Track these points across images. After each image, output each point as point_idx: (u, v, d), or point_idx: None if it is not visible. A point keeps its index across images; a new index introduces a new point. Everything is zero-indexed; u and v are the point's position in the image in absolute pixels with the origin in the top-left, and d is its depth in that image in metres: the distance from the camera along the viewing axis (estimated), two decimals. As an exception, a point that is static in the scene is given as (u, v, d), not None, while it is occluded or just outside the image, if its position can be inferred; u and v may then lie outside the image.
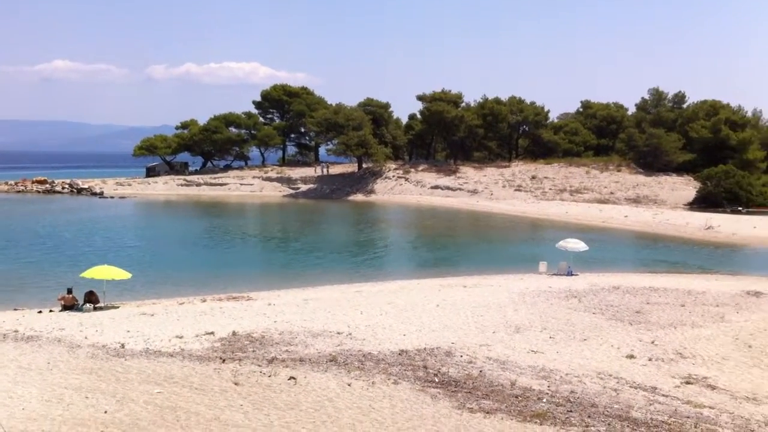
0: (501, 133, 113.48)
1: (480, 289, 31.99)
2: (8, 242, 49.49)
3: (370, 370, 17.73)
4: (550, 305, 27.82)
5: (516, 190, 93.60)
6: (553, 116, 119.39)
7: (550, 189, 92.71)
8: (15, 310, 28.30)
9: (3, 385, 15.66)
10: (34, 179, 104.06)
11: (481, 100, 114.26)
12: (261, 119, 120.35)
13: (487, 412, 14.78)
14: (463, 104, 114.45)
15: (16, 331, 22.00)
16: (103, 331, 22.41)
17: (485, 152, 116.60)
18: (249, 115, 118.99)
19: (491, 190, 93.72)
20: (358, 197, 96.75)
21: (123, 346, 19.98)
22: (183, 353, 19.15)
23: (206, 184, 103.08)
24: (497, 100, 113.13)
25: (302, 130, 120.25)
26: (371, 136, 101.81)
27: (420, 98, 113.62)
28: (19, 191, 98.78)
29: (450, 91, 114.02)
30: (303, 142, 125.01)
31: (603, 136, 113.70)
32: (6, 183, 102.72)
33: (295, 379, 16.60)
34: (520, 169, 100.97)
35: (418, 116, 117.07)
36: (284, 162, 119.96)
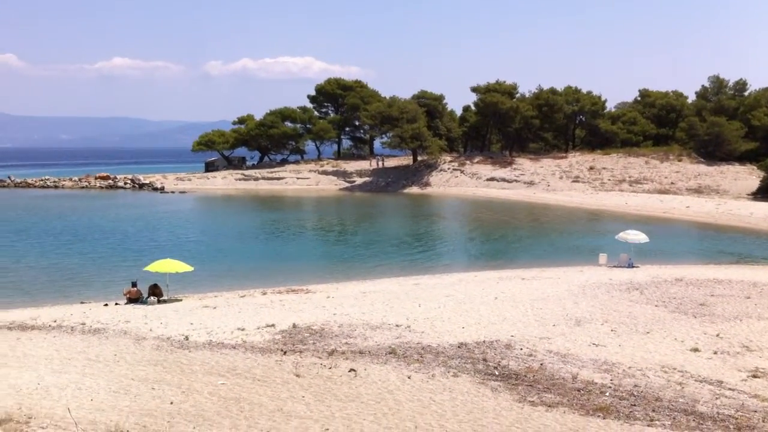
0: (557, 123, 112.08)
1: (539, 282, 31.74)
2: (75, 237, 50.81)
3: (430, 362, 17.77)
4: (611, 297, 27.46)
5: (573, 181, 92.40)
6: (610, 106, 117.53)
7: (609, 180, 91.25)
8: (82, 303, 29.09)
9: (72, 376, 16.13)
10: (98, 175, 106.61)
11: (536, 91, 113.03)
12: (316, 113, 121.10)
13: (549, 406, 14.70)
14: (518, 95, 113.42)
15: (83, 324, 22.63)
16: (168, 323, 22.89)
17: (541, 143, 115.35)
18: (304, 109, 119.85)
19: (548, 182, 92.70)
20: (414, 190, 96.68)
21: (187, 338, 20.40)
22: (245, 345, 19.46)
23: (263, 178, 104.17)
24: (553, 90, 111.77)
25: (357, 123, 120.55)
26: (426, 128, 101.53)
27: (474, 90, 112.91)
28: (83, 187, 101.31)
29: (504, 81, 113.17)
30: (358, 136, 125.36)
31: (662, 126, 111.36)
32: (70, 179, 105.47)
33: (356, 371, 16.74)
34: (577, 160, 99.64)
35: (473, 108, 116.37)
36: (339, 155, 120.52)
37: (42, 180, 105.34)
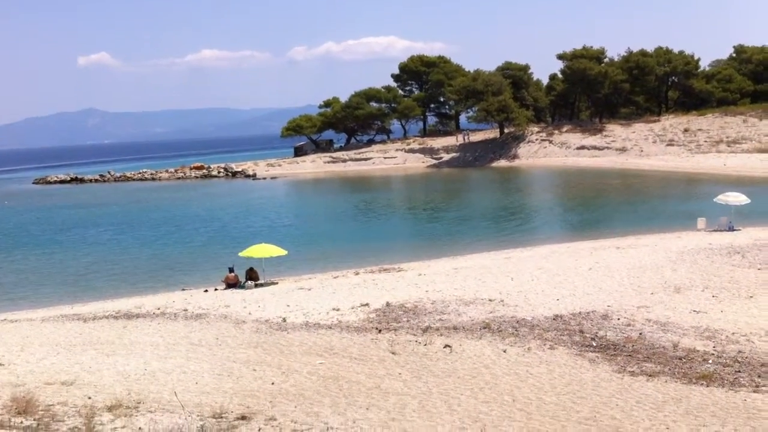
0: (648, 86, 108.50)
1: (635, 250, 31.02)
2: (174, 227, 52.53)
3: (525, 336, 17.67)
4: (711, 263, 26.60)
5: (668, 145, 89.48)
6: (704, 64, 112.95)
7: (705, 141, 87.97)
8: (183, 290, 30.12)
9: (176, 361, 16.75)
10: (192, 165, 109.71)
11: (625, 54, 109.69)
12: (400, 92, 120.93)
13: (650, 375, 14.42)
14: (606, 59, 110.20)
15: (185, 310, 23.43)
16: (265, 306, 23.46)
17: (632, 108, 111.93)
18: (388, 88, 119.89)
19: (641, 147, 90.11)
20: (502, 163, 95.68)
21: (284, 320, 20.87)
22: (341, 325, 19.78)
23: (351, 159, 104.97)
24: (643, 53, 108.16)
25: (441, 99, 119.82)
26: (511, 100, 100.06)
27: (560, 57, 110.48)
28: (179, 178, 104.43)
29: (591, 47, 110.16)
30: (443, 112, 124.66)
31: (760, 82, 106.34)
32: (167, 171, 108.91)
33: (451, 347, 16.80)
34: (671, 123, 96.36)
35: (559, 76, 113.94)
36: (425, 133, 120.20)
37: (140, 173, 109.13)
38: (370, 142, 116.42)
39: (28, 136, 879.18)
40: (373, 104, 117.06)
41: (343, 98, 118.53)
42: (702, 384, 13.80)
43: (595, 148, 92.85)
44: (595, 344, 16.76)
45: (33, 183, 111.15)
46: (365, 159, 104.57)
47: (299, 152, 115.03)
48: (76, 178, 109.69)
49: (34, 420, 10.50)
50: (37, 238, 50.53)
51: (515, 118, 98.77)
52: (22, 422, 10.23)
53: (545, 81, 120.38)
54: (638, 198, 57.20)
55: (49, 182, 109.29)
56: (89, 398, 12.84)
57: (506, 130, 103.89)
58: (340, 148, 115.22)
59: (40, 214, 66.49)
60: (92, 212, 65.10)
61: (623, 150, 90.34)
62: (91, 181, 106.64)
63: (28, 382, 14.34)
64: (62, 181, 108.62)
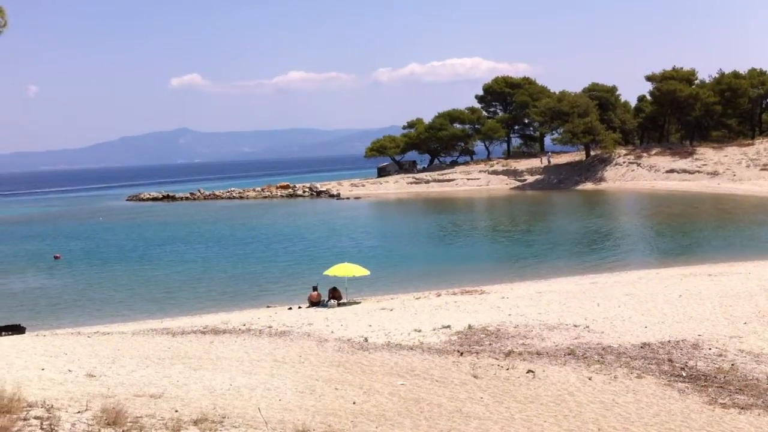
0: (741, 108, 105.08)
1: (727, 278, 29.98)
2: (260, 245, 53.59)
3: (611, 363, 17.25)
4: (809, 293, 25.46)
5: (762, 169, 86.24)
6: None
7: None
8: (268, 307, 30.62)
9: (261, 377, 16.99)
10: (278, 185, 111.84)
11: (717, 75, 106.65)
12: (484, 113, 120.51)
13: (742, 408, 13.88)
14: (697, 81, 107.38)
15: (270, 327, 23.79)
16: (348, 325, 23.62)
17: (724, 131, 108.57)
18: (472, 110, 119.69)
19: (733, 171, 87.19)
20: (588, 186, 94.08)
21: (366, 339, 20.95)
22: (422, 346, 19.73)
23: (434, 180, 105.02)
24: (735, 74, 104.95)
25: (526, 121, 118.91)
26: (598, 122, 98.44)
27: (649, 78, 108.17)
28: (265, 197, 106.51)
29: (682, 68, 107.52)
30: (527, 133, 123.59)
31: None
32: (254, 190, 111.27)
33: (534, 373, 16.55)
34: (765, 147, 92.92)
35: (648, 97, 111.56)
36: (509, 154, 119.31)
37: (228, 192, 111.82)
38: (454, 164, 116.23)
39: (122, 154, 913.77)
40: (457, 125, 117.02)
41: (427, 119, 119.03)
42: (799, 420, 13.20)
43: (685, 171, 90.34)
44: (684, 374, 16.24)
45: (126, 200, 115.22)
46: (448, 180, 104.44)
47: (382, 173, 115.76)
48: (168, 195, 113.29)
49: (123, 431, 10.80)
50: (129, 253, 52.28)
51: (602, 140, 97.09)
52: (111, 433, 10.55)
53: (633, 103, 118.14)
54: (731, 224, 55.32)
55: (142, 199, 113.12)
56: (176, 411, 13.14)
57: (593, 153, 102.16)
58: (424, 169, 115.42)
59: (132, 230, 68.79)
60: (182, 229, 66.96)
61: (715, 174, 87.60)
62: (181, 198, 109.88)
63: (118, 393, 14.77)
64: (154, 199, 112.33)
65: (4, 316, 30.93)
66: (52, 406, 11.86)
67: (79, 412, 11.88)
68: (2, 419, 10.26)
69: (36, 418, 10.81)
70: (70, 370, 17.40)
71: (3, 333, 25.93)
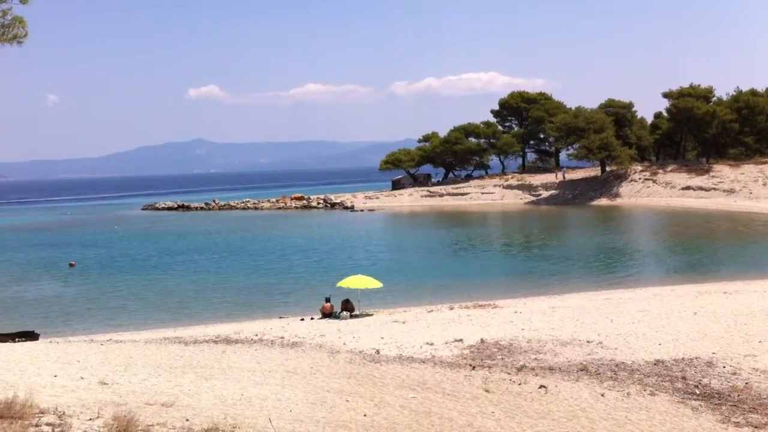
0: (759, 126, 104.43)
1: (743, 296, 29.74)
2: (273, 256, 53.68)
3: (624, 380, 17.13)
4: (826, 312, 25.21)
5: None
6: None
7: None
8: (280, 318, 30.66)
9: (272, 387, 16.97)
10: (293, 196, 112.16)
11: (734, 93, 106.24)
12: (500, 128, 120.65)
13: (756, 427, 13.73)
14: (715, 98, 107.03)
15: (282, 338, 23.80)
16: (360, 337, 23.59)
17: (741, 148, 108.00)
18: (488, 124, 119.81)
19: (750, 189, 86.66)
20: (602, 202, 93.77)
21: (378, 352, 20.91)
22: (434, 359, 19.66)
23: (449, 194, 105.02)
24: (753, 92, 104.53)
25: (541, 136, 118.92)
26: (614, 138, 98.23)
27: (666, 95, 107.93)
28: (279, 208, 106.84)
29: (699, 85, 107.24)
30: (542, 148, 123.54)
31: None
32: (268, 200, 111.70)
33: (546, 388, 16.45)
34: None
35: (665, 114, 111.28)
36: (524, 169, 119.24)
37: (243, 202, 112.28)
38: (468, 178, 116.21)
39: (139, 163, 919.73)
40: (472, 140, 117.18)
41: (442, 133, 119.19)
42: (815, 440, 13.05)
43: (701, 189, 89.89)
44: (698, 392, 16.10)
45: (142, 209, 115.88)
46: (462, 194, 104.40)
47: (397, 186, 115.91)
48: (183, 205, 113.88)
49: (135, 439, 10.83)
50: (143, 262, 52.52)
51: (617, 156, 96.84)
52: (123, 440, 10.56)
53: (650, 119, 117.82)
54: (747, 241, 54.94)
55: (157, 209, 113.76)
56: (187, 420, 13.14)
57: (608, 168, 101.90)
58: (438, 183, 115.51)
59: (146, 239, 69.12)
60: (196, 239, 67.23)
61: (731, 191, 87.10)
62: (196, 208, 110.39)
63: (129, 401, 14.79)
64: (169, 208, 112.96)
65: (19, 322, 31.12)
66: (63, 413, 11.89)
67: (90, 419, 11.91)
68: (14, 425, 10.31)
69: (48, 424, 10.85)
70: (82, 378, 17.45)
71: (17, 339, 26.07)
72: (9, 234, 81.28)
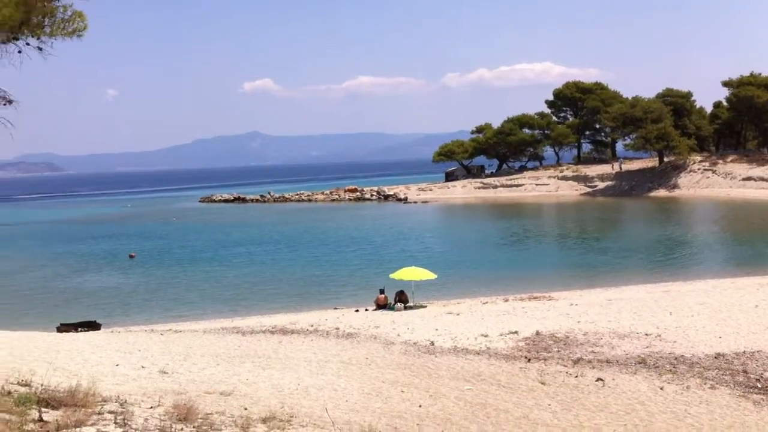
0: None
1: (807, 289, 28.93)
2: (329, 248, 54.03)
3: (683, 373, 16.85)
4: None
5: None
6: None
7: None
8: (335, 309, 30.88)
9: (328, 378, 17.14)
10: (346, 188, 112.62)
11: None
12: (554, 118, 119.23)
13: (822, 423, 13.40)
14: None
15: (337, 329, 23.99)
16: (414, 329, 23.63)
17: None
18: (542, 115, 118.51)
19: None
20: (660, 193, 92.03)
21: (433, 343, 20.93)
22: (489, 351, 19.61)
23: (502, 186, 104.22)
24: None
25: (597, 126, 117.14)
26: (672, 128, 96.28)
27: (726, 84, 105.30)
28: (333, 200, 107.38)
29: (760, 74, 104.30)
30: (598, 139, 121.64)
31: None
32: (322, 193, 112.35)
33: (603, 381, 16.28)
34: None
35: (725, 104, 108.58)
36: (579, 160, 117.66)
37: (297, 194, 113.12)
38: (522, 169, 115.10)
39: (196, 157, 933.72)
40: (526, 131, 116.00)
41: (496, 124, 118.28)
42: None
43: (762, 179, 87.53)
44: (760, 386, 15.76)
45: (199, 201, 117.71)
46: (516, 185, 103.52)
47: (450, 177, 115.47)
48: (239, 197, 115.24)
49: (194, 428, 10.99)
50: (200, 254, 53.38)
51: (676, 146, 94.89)
52: (182, 429, 10.73)
53: (709, 109, 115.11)
54: (812, 233, 53.36)
55: (214, 201, 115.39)
56: (245, 409, 13.36)
57: (666, 159, 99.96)
58: (491, 174, 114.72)
59: (204, 231, 70.21)
60: (252, 231, 68.04)
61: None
62: (252, 201, 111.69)
63: (189, 390, 15.08)
64: (226, 201, 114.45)
65: (80, 312, 31.97)
66: (125, 401, 12.18)
67: (151, 407, 12.17)
68: (78, 413, 10.57)
69: (110, 412, 11.11)
70: (143, 367, 17.85)
71: (79, 329, 26.78)
72: (70, 226, 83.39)
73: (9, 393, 11.37)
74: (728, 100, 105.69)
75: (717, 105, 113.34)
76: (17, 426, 9.36)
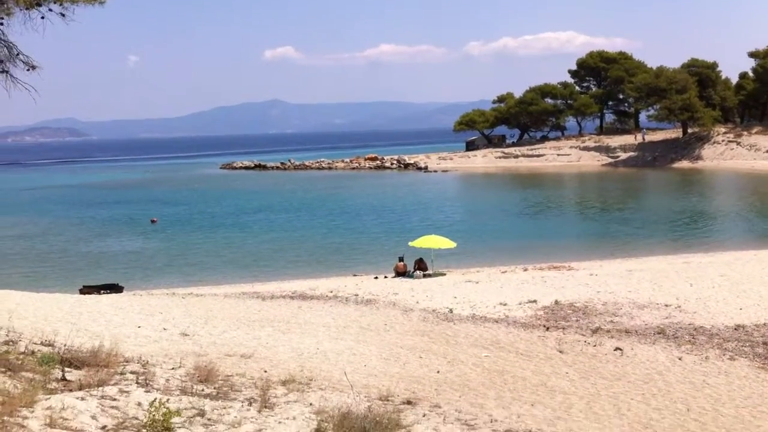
0: None
1: (830, 262, 28.67)
2: (348, 215, 54.23)
3: (703, 344, 16.82)
4: None
5: None
6: None
7: None
8: (354, 275, 31.05)
9: (347, 342, 17.28)
10: (367, 156, 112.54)
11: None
12: (577, 88, 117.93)
13: (842, 396, 13.34)
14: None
15: (356, 295, 24.13)
16: (433, 296, 23.71)
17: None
18: (565, 84, 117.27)
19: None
20: (683, 164, 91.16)
21: (451, 311, 21.01)
22: (507, 320, 19.66)
23: (523, 155, 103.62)
24: None
25: (620, 96, 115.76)
26: (696, 98, 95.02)
27: (752, 55, 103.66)
28: (353, 168, 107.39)
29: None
30: (621, 109, 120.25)
31: None
32: (342, 161, 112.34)
33: (622, 350, 16.29)
34: None
35: (750, 74, 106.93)
36: (602, 130, 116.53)
37: (318, 162, 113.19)
38: (544, 139, 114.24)
39: (216, 124, 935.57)
40: (548, 100, 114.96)
41: (518, 94, 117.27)
42: None
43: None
44: (780, 358, 15.69)
45: (220, 168, 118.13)
46: (538, 155, 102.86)
47: (471, 147, 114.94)
48: (259, 164, 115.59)
49: (214, 388, 11.15)
50: (221, 220, 53.72)
51: (700, 117, 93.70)
52: (203, 390, 10.90)
53: (735, 79, 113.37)
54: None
55: (235, 168, 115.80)
56: (265, 372, 13.51)
57: (690, 130, 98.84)
58: (513, 144, 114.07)
59: (225, 197, 70.58)
60: (273, 198, 68.30)
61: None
62: (272, 168, 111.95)
63: (210, 352, 15.27)
64: (246, 167, 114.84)
65: (103, 275, 32.35)
66: (147, 362, 12.36)
67: (173, 368, 12.35)
68: (100, 373, 10.76)
69: (132, 372, 11.29)
70: (165, 329, 18.08)
71: (102, 291, 27.12)
72: (92, 191, 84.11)
73: (33, 353, 11.58)
74: (754, 71, 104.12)
75: (743, 76, 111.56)
76: (41, 384, 9.54)
